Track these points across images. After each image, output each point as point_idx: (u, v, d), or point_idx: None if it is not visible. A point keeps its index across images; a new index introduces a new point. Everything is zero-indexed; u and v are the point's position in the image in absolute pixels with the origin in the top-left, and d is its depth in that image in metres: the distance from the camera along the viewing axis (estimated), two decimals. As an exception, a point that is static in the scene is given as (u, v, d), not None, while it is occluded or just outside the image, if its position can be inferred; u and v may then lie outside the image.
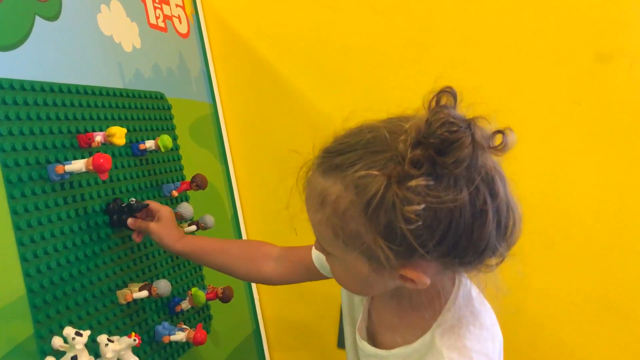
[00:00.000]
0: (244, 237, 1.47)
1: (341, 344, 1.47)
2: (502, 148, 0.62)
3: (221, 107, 1.46)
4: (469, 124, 0.60)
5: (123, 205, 0.95)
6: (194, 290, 1.09)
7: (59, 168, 0.82)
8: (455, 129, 0.59)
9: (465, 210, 0.61)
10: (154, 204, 0.99)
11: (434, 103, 0.63)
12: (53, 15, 0.90)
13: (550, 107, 1.21)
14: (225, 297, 1.10)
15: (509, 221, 0.65)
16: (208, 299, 1.10)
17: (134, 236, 0.99)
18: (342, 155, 0.66)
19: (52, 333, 0.78)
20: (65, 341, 0.76)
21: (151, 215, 0.99)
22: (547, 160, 1.22)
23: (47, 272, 0.80)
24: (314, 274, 0.96)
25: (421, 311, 0.73)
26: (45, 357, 0.76)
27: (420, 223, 0.60)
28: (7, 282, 0.74)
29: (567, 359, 1.27)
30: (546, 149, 1.22)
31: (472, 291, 0.75)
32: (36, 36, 0.86)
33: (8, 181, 0.76)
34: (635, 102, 1.15)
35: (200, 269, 1.19)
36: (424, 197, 0.59)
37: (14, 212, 0.76)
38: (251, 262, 1.01)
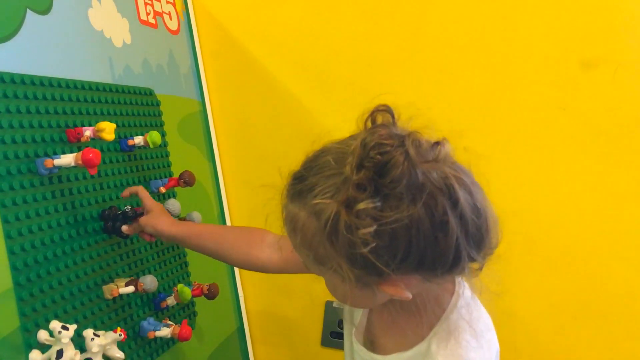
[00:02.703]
0: (230, 234, 1.48)
1: (325, 342, 1.48)
2: (442, 159, 0.61)
3: (210, 104, 1.46)
4: (403, 141, 0.59)
5: (118, 212, 0.95)
6: (179, 286, 1.09)
7: (48, 162, 0.82)
8: (387, 149, 0.59)
9: (422, 224, 0.60)
10: (143, 196, 0.99)
11: (369, 123, 0.63)
12: (44, 9, 0.90)
13: (535, 112, 1.23)
14: (211, 294, 1.11)
15: (481, 227, 0.63)
16: (194, 296, 1.10)
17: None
18: (302, 182, 0.66)
19: (38, 327, 0.78)
20: (51, 335, 0.77)
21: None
22: (530, 164, 1.24)
23: (34, 265, 0.80)
24: None
25: (417, 318, 0.72)
26: (30, 351, 0.76)
27: (375, 244, 0.59)
28: (-7, 275, 0.74)
29: (546, 360, 1.30)
30: (530, 154, 1.24)
31: (470, 298, 0.74)
32: (27, 30, 0.86)
33: (-4, 174, 0.76)
34: (618, 108, 1.18)
35: (187, 266, 1.19)
36: (374, 219, 0.59)
37: (1, 205, 0.76)
38: (245, 247, 0.99)
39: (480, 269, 0.66)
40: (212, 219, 1.40)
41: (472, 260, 0.64)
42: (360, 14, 1.34)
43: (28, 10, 0.87)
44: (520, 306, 1.28)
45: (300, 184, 0.67)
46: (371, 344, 0.80)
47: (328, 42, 1.37)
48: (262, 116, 1.45)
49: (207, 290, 1.11)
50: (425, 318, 0.72)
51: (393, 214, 0.59)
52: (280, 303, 1.52)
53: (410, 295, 0.66)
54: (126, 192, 0.99)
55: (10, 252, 0.77)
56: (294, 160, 1.52)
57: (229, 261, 1.02)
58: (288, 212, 0.69)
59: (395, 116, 0.64)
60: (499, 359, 0.76)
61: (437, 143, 0.62)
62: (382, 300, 0.71)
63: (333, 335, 1.47)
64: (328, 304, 1.46)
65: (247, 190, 1.49)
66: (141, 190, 1.00)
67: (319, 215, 0.63)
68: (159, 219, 0.98)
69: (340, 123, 1.54)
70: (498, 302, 0.76)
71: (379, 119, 0.64)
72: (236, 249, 1.00)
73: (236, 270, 1.49)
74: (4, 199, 0.77)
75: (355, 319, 0.84)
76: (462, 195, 0.61)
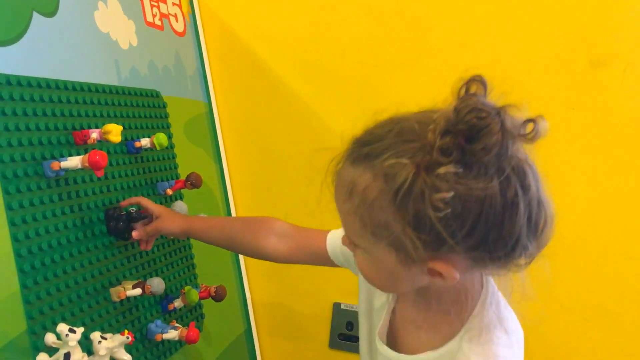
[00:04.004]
0: (237, 236, 1.47)
1: (333, 344, 1.48)
2: (533, 136, 0.62)
3: (216, 106, 1.46)
4: (499, 111, 0.59)
5: (122, 213, 0.95)
6: (187, 288, 1.09)
7: (55, 164, 0.82)
8: (484, 115, 0.58)
9: (495, 200, 0.60)
10: (147, 204, 1.00)
11: (463, 91, 0.62)
12: (50, 11, 0.90)
13: (544, 112, 1.20)
14: (218, 296, 1.10)
15: (540, 218, 0.63)
16: (201, 298, 1.10)
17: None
18: (371, 145, 0.65)
19: (45, 329, 0.78)
20: (59, 338, 0.76)
21: (149, 218, 1.00)
22: (540, 164, 1.23)
23: (41, 268, 0.80)
24: (321, 260, 0.95)
25: (449, 313, 0.72)
26: (38, 354, 0.76)
27: (449, 211, 0.59)
28: (0, 278, 0.74)
29: (556, 362, 1.29)
30: (540, 154, 1.23)
31: (498, 296, 0.73)
32: (33, 32, 0.86)
33: (3, 177, 0.76)
34: (628, 108, 1.17)
35: (194, 268, 1.19)
36: (452, 185, 0.58)
37: (8, 207, 0.76)
38: (252, 236, 0.99)
39: (527, 264, 0.66)
40: (219, 220, 1.40)
41: (526, 252, 0.64)
42: (367, 14, 1.34)
43: (34, 13, 0.87)
44: (531, 308, 1.26)
45: (369, 147, 0.66)
46: (395, 344, 0.79)
47: (334, 43, 1.37)
48: (268, 117, 1.45)
49: (215, 292, 1.10)
50: (457, 313, 0.71)
51: (473, 183, 0.59)
52: (288, 305, 1.52)
53: (457, 276, 0.64)
54: (125, 203, 0.99)
55: (18, 254, 0.77)
56: (301, 161, 1.53)
57: (237, 251, 1.03)
58: (345, 175, 0.68)
59: (487, 90, 0.63)
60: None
61: (529, 120, 0.61)
62: (420, 283, 0.69)
63: (341, 338, 1.46)
64: (336, 306, 1.46)
65: (254, 191, 1.49)
66: (143, 200, 1.00)
67: (389, 177, 0.62)
68: (167, 221, 0.99)
69: (347, 124, 1.54)
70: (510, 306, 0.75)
71: (473, 89, 0.62)
72: (243, 238, 1.00)
73: (244, 272, 1.48)
74: (11, 201, 0.77)
75: (375, 323, 0.82)
76: (532, 182, 0.62)
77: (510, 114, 0.60)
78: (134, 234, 0.96)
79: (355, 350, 1.44)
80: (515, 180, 0.61)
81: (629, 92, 1.16)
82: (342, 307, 1.45)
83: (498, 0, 1.24)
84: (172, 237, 1.04)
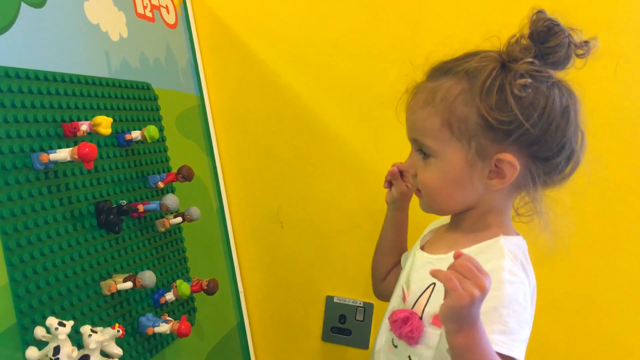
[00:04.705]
0: (230, 229, 1.47)
1: (326, 337, 1.48)
2: (586, 51, 0.80)
3: (208, 99, 1.45)
4: (564, 27, 0.79)
5: (113, 206, 0.94)
6: (178, 282, 1.08)
7: (44, 157, 0.81)
8: (555, 23, 0.78)
9: (555, 100, 0.77)
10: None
11: (533, 13, 0.81)
12: (39, 2, 0.89)
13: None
14: (210, 290, 1.10)
15: (578, 137, 0.82)
16: (193, 291, 1.09)
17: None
18: (453, 62, 0.82)
19: (35, 323, 0.77)
20: (48, 331, 0.76)
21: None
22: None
23: (31, 261, 0.79)
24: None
25: (488, 231, 0.86)
26: (27, 347, 0.75)
27: (524, 97, 0.75)
28: (-11, 271, 0.73)
29: (548, 355, 1.29)
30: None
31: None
32: (21, 23, 0.85)
33: (-9, 169, 0.75)
34: (620, 102, 1.17)
35: (186, 262, 1.18)
36: (530, 74, 0.76)
37: (-3, 200, 0.75)
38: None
39: (563, 180, 0.84)
40: (211, 213, 1.40)
41: (566, 166, 0.82)
42: (360, 7, 1.33)
43: (22, 3, 0.85)
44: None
45: (450, 63, 0.82)
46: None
47: (327, 36, 1.36)
48: (261, 110, 1.44)
49: (207, 285, 1.10)
50: (493, 232, 0.85)
51: (544, 78, 0.77)
52: (281, 298, 1.52)
53: (518, 168, 0.78)
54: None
55: (6, 248, 0.76)
56: (294, 153, 1.52)
57: (380, 259, 1.14)
58: (424, 88, 0.84)
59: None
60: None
61: (586, 42, 0.80)
62: (476, 192, 0.83)
63: (334, 331, 1.46)
64: (329, 299, 1.46)
65: (247, 184, 1.49)
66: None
67: (474, 74, 0.78)
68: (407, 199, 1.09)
69: (340, 116, 1.55)
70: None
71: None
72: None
73: (236, 265, 1.48)
74: (-1, 194, 0.76)
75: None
76: (577, 102, 0.82)
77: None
78: (392, 167, 1.06)
79: (348, 343, 1.45)
80: (567, 91, 0.80)
81: (621, 86, 1.16)
82: (335, 300, 1.45)
83: (491, -6, 1.23)
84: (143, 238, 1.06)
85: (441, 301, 0.78)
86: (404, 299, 0.91)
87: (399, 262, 1.09)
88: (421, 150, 0.86)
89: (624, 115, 1.17)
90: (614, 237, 1.22)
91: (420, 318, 0.84)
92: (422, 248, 0.95)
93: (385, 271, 1.11)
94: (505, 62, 0.77)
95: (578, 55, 0.80)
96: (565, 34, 0.77)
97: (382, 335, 0.94)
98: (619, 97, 1.17)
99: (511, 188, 0.84)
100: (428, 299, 0.84)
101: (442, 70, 0.82)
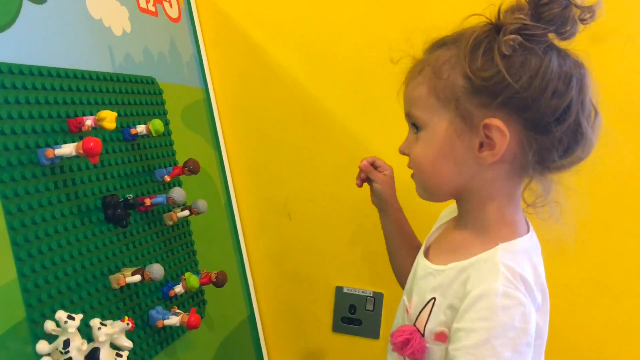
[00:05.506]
0: (238, 221, 1.47)
1: (336, 327, 1.48)
2: (590, 17, 0.73)
3: (213, 92, 1.45)
4: None
5: (120, 201, 0.95)
6: (187, 274, 1.08)
7: (49, 152, 0.82)
8: None
9: (552, 64, 0.70)
10: (380, 160, 1.07)
11: None
12: (41, -3, 0.89)
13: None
14: (219, 282, 1.10)
15: (587, 111, 0.74)
16: (202, 284, 1.10)
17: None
18: (450, 35, 0.79)
19: (44, 317, 0.78)
20: (58, 325, 0.76)
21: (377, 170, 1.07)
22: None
23: (39, 256, 0.80)
24: None
25: (488, 232, 0.80)
26: (37, 341, 0.76)
27: (513, 54, 0.69)
28: (-2, 266, 0.74)
29: (559, 341, 1.27)
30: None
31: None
32: (24, 19, 0.85)
33: (-3, 165, 0.76)
34: (628, 82, 1.15)
35: (194, 254, 1.19)
36: (522, 33, 0.70)
37: (3, 196, 0.76)
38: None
39: (573, 163, 0.77)
40: (219, 206, 1.40)
41: (577, 129, 0.73)
42: (363, -3, 1.32)
43: (24, 0, 0.86)
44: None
45: (447, 37, 0.79)
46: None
47: (331, 27, 1.36)
48: (266, 102, 1.44)
49: (215, 278, 1.10)
50: (494, 235, 0.78)
51: (540, 34, 0.71)
52: (291, 290, 1.52)
53: (507, 136, 0.72)
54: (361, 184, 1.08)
55: (14, 243, 0.76)
56: (300, 145, 1.51)
57: (395, 257, 1.12)
58: (419, 62, 0.82)
59: None
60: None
61: (590, 7, 0.73)
62: (471, 166, 0.77)
63: (344, 321, 1.46)
64: (338, 290, 1.46)
65: (253, 176, 1.49)
66: (378, 160, 1.08)
67: (462, 39, 0.74)
68: (388, 185, 1.06)
69: (345, 107, 1.54)
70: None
71: None
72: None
73: (245, 258, 1.48)
74: (6, 190, 0.76)
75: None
76: (587, 80, 0.75)
77: None
78: (363, 162, 1.05)
79: (359, 333, 1.45)
80: (572, 61, 0.73)
81: (629, 66, 1.15)
82: (345, 290, 1.45)
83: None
84: (156, 230, 1.06)
85: (441, 317, 0.77)
86: (407, 311, 0.88)
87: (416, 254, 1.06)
88: (414, 124, 0.82)
89: (633, 96, 1.16)
90: (625, 222, 1.21)
91: (423, 335, 0.80)
92: (426, 250, 0.92)
93: (408, 269, 1.08)
94: (495, 25, 0.73)
95: (582, 21, 0.73)
96: None
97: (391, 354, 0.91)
98: (628, 78, 1.15)
99: (510, 168, 0.76)
100: (429, 315, 0.81)
101: (438, 44, 0.80)
